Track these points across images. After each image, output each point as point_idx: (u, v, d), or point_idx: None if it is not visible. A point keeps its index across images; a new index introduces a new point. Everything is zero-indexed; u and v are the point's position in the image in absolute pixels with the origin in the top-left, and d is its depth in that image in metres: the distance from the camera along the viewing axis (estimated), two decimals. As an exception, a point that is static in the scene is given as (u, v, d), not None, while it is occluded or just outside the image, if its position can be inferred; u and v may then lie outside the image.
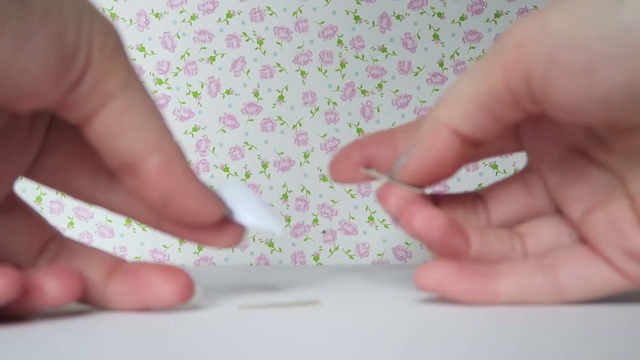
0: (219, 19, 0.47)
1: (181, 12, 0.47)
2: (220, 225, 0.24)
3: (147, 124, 0.21)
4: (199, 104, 0.47)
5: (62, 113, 0.21)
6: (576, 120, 0.22)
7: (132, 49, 0.47)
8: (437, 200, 0.27)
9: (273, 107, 0.47)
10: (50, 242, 0.24)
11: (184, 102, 0.47)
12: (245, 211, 0.24)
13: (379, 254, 0.47)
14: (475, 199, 0.28)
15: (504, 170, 0.47)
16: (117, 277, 0.24)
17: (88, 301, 0.24)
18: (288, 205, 0.47)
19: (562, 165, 0.25)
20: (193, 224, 0.23)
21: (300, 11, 0.47)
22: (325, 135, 0.47)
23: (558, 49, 0.20)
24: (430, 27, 0.47)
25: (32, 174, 0.24)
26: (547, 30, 0.20)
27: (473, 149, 0.24)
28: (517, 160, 0.47)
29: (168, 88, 0.47)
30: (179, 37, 0.47)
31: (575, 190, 0.25)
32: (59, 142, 0.24)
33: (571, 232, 0.26)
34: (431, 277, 0.24)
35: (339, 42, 0.47)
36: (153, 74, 0.47)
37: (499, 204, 0.27)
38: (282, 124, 0.47)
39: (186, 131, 0.47)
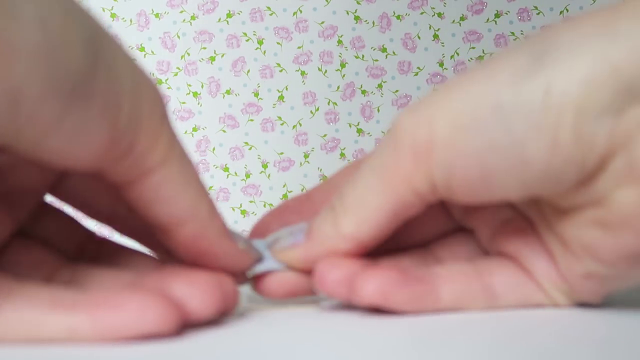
0: (219, 19, 0.47)
1: (181, 12, 0.47)
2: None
3: (183, 195, 0.21)
4: (199, 104, 0.47)
5: (107, 177, 0.21)
6: (483, 205, 0.22)
7: (132, 49, 0.47)
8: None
9: (273, 107, 0.47)
10: (87, 243, 0.24)
11: (184, 102, 0.48)
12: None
13: (379, 254, 0.47)
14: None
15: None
16: (156, 274, 0.24)
17: None
18: (288, 205, 0.47)
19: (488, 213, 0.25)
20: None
21: (300, 11, 0.47)
22: (325, 135, 0.47)
23: (452, 160, 0.20)
24: (430, 27, 0.47)
25: (57, 190, 0.24)
26: (437, 140, 0.20)
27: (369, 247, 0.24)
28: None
29: (168, 88, 0.47)
30: (179, 37, 0.47)
31: (496, 225, 0.25)
32: None
33: (485, 249, 0.25)
34: (371, 286, 0.22)
35: (339, 42, 0.47)
36: (153, 74, 0.47)
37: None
38: (282, 124, 0.47)
39: (186, 131, 0.47)
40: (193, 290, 0.20)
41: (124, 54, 0.20)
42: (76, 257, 0.24)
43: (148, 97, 0.20)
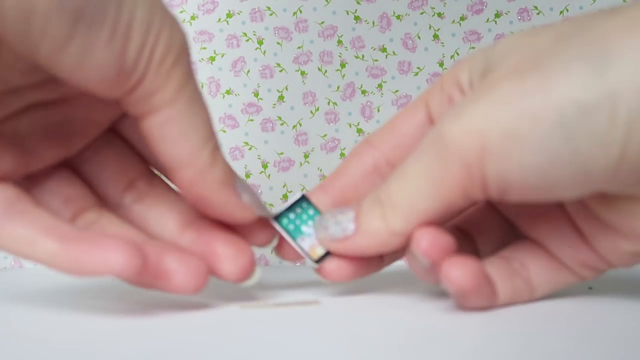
0: (219, 19, 0.47)
1: (181, 12, 0.47)
2: (253, 225, 0.26)
3: (184, 138, 0.22)
4: (199, 104, 0.47)
5: (123, 106, 0.23)
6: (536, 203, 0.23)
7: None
8: None
9: (273, 107, 0.47)
10: (139, 180, 0.26)
11: (184, 102, 0.47)
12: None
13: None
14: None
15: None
16: (190, 235, 0.25)
17: None
18: (288, 205, 0.47)
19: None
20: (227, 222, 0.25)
21: (300, 11, 0.47)
22: (325, 135, 0.47)
23: (508, 171, 0.20)
24: (430, 27, 0.47)
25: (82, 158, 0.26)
26: (490, 151, 0.20)
27: None
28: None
29: (168, 88, 0.47)
30: (179, 37, 0.47)
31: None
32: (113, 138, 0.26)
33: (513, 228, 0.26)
34: (465, 274, 0.22)
35: (339, 42, 0.47)
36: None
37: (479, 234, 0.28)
38: (282, 124, 0.47)
39: (186, 131, 0.47)
40: (181, 268, 0.22)
41: None
42: (125, 190, 0.26)
43: (164, 38, 0.21)
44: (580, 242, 0.23)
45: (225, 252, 0.24)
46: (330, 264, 0.25)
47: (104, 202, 0.26)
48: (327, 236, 0.25)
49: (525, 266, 0.25)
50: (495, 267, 0.24)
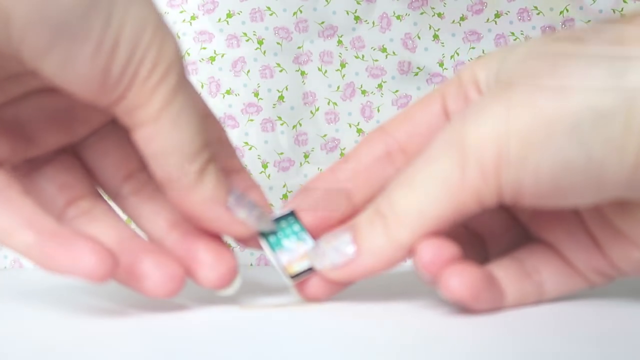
0: (219, 19, 0.47)
1: (181, 12, 0.47)
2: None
3: (168, 155, 0.22)
4: (199, 104, 0.47)
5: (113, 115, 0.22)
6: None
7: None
8: None
9: (273, 107, 0.47)
10: (140, 172, 0.26)
11: (184, 102, 0.47)
12: None
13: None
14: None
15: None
16: (176, 235, 0.25)
17: None
18: (288, 205, 0.47)
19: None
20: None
21: (300, 11, 0.47)
22: (325, 135, 0.47)
23: (523, 177, 0.20)
24: (430, 27, 0.47)
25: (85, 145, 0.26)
26: (506, 157, 0.20)
27: None
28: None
29: (168, 88, 0.47)
30: (179, 37, 0.47)
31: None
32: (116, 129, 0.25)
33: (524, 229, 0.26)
34: (461, 283, 0.21)
35: (339, 42, 0.47)
36: (153, 74, 0.47)
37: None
38: (282, 124, 0.47)
39: (186, 131, 0.47)
40: (156, 271, 0.22)
41: (139, 13, 0.20)
42: (124, 181, 0.26)
43: (152, 54, 0.20)
44: (593, 247, 0.23)
45: (206, 258, 0.24)
46: (314, 284, 0.24)
47: (103, 189, 0.26)
48: (327, 265, 0.23)
49: (538, 270, 0.24)
50: (504, 269, 0.24)
